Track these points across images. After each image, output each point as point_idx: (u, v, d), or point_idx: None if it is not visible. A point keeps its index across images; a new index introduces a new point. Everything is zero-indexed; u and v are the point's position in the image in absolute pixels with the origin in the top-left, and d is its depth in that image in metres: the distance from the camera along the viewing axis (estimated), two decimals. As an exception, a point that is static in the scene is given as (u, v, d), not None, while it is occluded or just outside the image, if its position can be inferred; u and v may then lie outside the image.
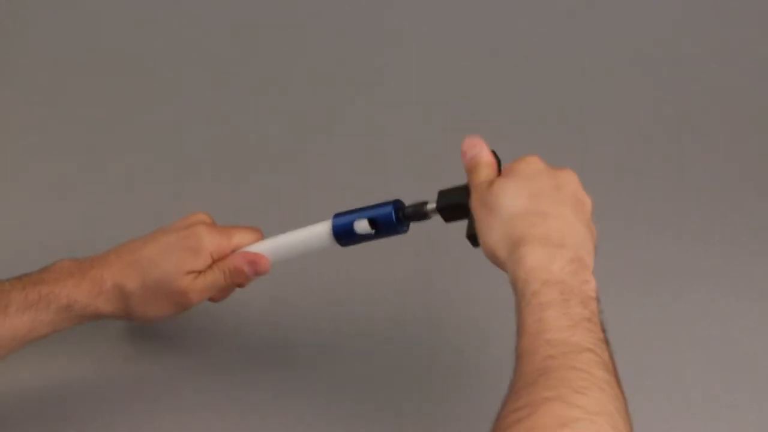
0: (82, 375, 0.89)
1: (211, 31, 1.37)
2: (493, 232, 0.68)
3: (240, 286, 0.83)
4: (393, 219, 0.77)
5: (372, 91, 1.29)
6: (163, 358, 0.91)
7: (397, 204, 0.78)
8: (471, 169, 0.73)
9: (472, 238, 0.73)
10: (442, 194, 0.76)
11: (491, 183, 0.70)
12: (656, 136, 1.22)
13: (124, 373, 0.89)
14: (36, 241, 1.00)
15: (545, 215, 0.67)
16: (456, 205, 0.75)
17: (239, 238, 0.81)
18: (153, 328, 0.92)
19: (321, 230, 0.80)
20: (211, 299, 0.83)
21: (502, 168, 0.74)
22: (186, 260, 0.78)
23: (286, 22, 1.37)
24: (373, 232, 0.78)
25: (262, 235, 0.83)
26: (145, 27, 1.37)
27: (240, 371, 0.89)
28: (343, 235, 0.79)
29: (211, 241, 0.79)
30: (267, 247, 0.81)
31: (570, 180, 0.70)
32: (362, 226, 0.78)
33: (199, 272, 0.79)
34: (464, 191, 0.74)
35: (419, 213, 0.77)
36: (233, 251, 0.81)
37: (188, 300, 0.79)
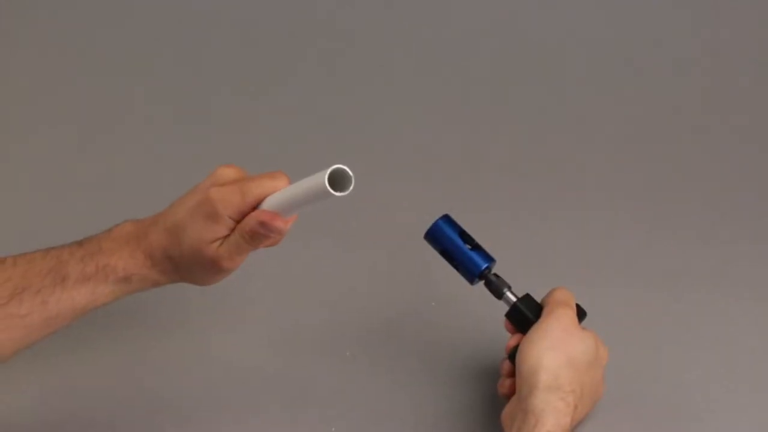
0: (81, 376, 0.89)
1: (214, 28, 1.37)
2: (555, 351, 0.75)
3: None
4: (477, 271, 0.81)
5: (377, 87, 1.30)
6: (163, 357, 0.91)
7: (490, 265, 0.82)
8: (568, 299, 0.80)
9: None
10: (525, 299, 0.81)
11: (582, 327, 0.79)
12: (656, 137, 1.22)
13: (121, 377, 0.89)
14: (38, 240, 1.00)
15: (581, 394, 0.76)
16: (526, 318, 0.80)
17: (255, 191, 0.74)
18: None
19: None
20: (266, 245, 0.76)
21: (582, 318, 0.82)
22: (206, 229, 0.73)
23: (286, 18, 1.37)
24: (453, 262, 0.82)
25: (286, 178, 0.74)
26: (142, 25, 1.37)
27: (238, 370, 0.89)
28: (437, 235, 0.82)
29: (226, 204, 0.73)
30: (280, 201, 0.73)
31: (603, 365, 0.81)
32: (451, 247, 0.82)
33: (225, 237, 0.74)
34: (540, 310, 0.80)
35: (495, 288, 0.82)
36: (254, 207, 0.74)
37: (221, 267, 0.74)
